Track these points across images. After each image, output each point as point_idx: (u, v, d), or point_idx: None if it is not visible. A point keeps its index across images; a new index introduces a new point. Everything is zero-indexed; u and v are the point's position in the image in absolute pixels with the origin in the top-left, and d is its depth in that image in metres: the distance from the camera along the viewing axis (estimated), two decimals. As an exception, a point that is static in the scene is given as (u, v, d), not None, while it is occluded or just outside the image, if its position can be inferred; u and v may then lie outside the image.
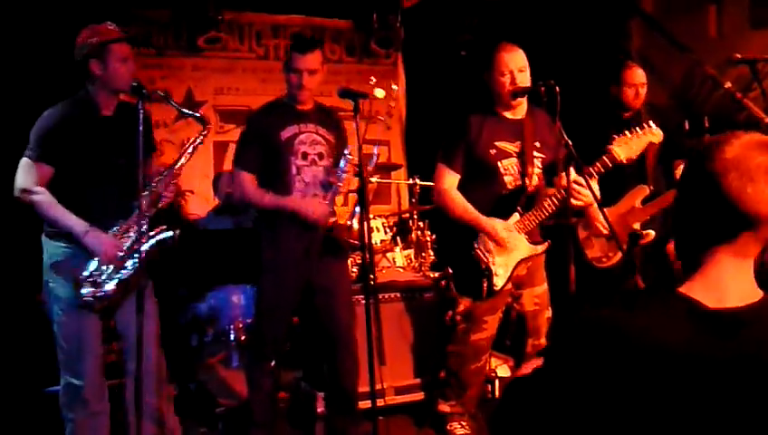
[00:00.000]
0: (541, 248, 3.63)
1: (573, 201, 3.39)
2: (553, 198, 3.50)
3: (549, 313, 3.74)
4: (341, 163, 3.66)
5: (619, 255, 4.11)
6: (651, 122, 3.56)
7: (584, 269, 4.27)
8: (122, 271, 3.18)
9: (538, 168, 3.63)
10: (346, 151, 3.67)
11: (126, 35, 3.28)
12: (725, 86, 4.36)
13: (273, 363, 3.83)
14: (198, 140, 3.41)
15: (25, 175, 3.15)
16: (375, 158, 4.28)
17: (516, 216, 3.56)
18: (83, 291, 3.14)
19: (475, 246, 3.52)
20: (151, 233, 3.21)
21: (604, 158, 3.48)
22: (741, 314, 1.31)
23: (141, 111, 3.02)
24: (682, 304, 1.33)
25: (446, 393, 3.84)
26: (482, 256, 3.51)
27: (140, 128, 3.00)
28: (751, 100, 4.34)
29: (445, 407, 3.84)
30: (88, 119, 3.24)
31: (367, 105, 3.31)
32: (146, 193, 3.17)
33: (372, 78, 4.09)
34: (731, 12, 5.36)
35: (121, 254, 3.17)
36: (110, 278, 3.17)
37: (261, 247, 3.69)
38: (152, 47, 6.02)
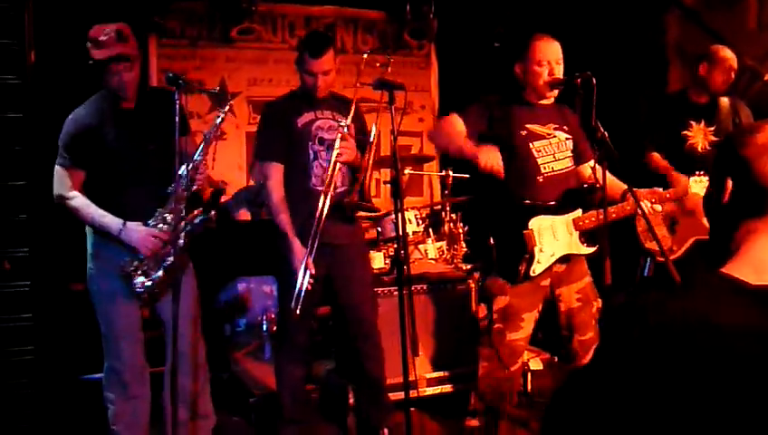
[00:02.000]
0: (589, 250, 3.54)
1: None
2: (622, 210, 3.48)
3: (597, 304, 3.61)
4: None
5: (684, 248, 4.10)
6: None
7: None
8: (167, 258, 3.21)
9: (570, 151, 3.61)
10: (342, 123, 3.58)
11: (113, 55, 3.16)
12: (765, 78, 4.29)
13: (303, 357, 3.84)
14: (218, 120, 3.38)
15: (59, 183, 3.31)
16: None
17: (579, 211, 3.51)
18: (136, 281, 3.23)
19: (529, 226, 3.41)
20: (188, 217, 3.25)
21: (678, 189, 3.58)
22: None
23: (178, 100, 3.03)
24: (725, 283, 1.36)
25: (477, 408, 3.70)
26: (533, 237, 3.41)
27: (177, 118, 3.02)
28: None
29: (474, 422, 3.72)
30: (108, 116, 3.30)
31: (401, 97, 3.26)
32: (182, 174, 3.20)
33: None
34: (772, 4, 5.28)
35: (161, 243, 3.22)
36: (157, 267, 3.23)
37: (279, 237, 3.68)
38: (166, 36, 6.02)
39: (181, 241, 3.22)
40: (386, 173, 5.75)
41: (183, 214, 3.20)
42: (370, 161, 3.56)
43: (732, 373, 1.25)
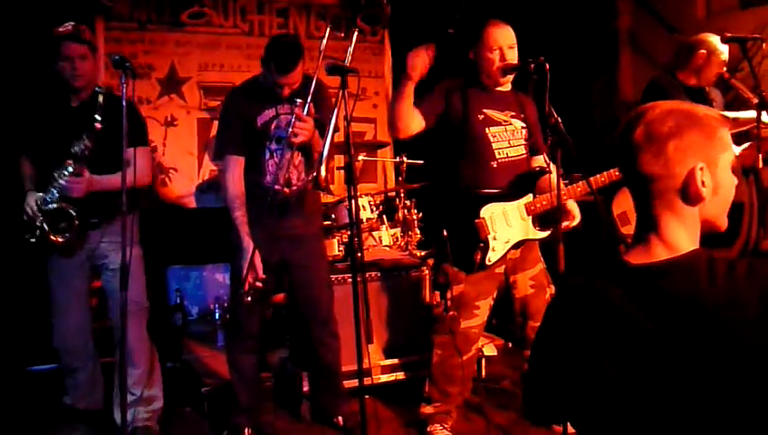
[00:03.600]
0: (544, 235, 3.56)
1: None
2: (572, 191, 3.48)
3: (551, 290, 3.65)
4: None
5: None
6: None
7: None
8: (34, 224, 3.43)
9: (525, 139, 3.61)
10: (298, 101, 3.44)
11: (66, 33, 3.40)
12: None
13: (255, 345, 3.78)
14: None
15: None
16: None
17: (530, 196, 3.52)
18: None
19: (481, 215, 3.42)
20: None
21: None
22: (659, 266, 1.46)
23: (124, 84, 2.97)
24: (615, 265, 1.54)
25: (431, 395, 3.70)
26: (485, 226, 3.42)
27: (124, 102, 2.97)
28: (739, 79, 4.35)
29: (428, 409, 3.71)
30: (56, 107, 3.51)
31: (354, 82, 3.21)
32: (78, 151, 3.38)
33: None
34: (720, -8, 5.36)
35: (30, 212, 3.44)
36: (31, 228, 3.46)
37: (232, 228, 3.63)
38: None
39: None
40: (339, 159, 5.71)
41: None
42: (326, 144, 3.34)
43: (610, 331, 1.45)
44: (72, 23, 3.43)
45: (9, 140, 3.69)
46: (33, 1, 4.97)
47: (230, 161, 3.58)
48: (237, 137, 3.58)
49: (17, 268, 4.43)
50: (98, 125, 3.29)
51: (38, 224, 3.41)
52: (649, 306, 1.41)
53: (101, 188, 3.45)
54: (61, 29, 3.40)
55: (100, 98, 3.30)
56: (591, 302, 1.50)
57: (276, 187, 3.56)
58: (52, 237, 3.41)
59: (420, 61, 3.20)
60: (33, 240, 3.43)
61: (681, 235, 1.50)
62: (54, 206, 3.40)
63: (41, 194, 3.44)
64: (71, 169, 3.37)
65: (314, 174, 3.27)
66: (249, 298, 3.42)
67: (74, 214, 3.41)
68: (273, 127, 3.59)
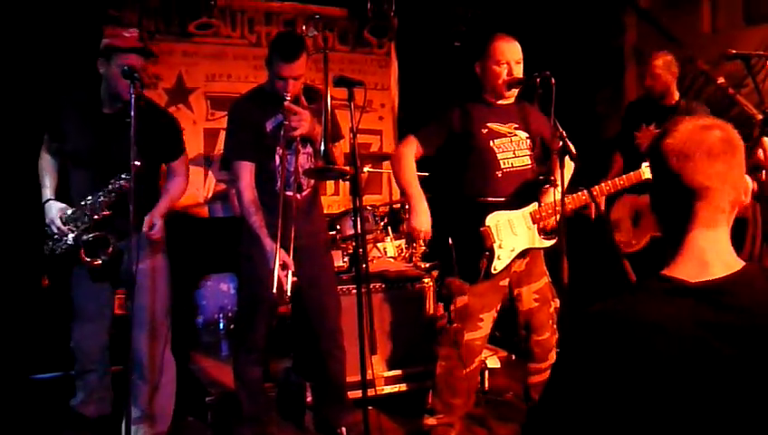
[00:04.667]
0: (549, 243, 3.56)
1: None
2: (578, 200, 3.50)
3: (555, 304, 3.66)
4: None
5: (642, 243, 4.25)
6: None
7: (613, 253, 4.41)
8: (62, 241, 3.38)
9: (530, 149, 3.62)
10: (287, 97, 3.44)
11: (134, 47, 3.32)
12: (718, 81, 4.36)
13: (261, 357, 3.78)
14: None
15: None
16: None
17: (535, 205, 3.53)
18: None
19: (486, 223, 3.42)
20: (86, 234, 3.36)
21: (631, 174, 3.59)
22: (721, 284, 1.39)
23: (133, 95, 2.99)
24: (665, 284, 1.42)
25: (434, 407, 3.68)
26: (490, 234, 3.42)
27: (132, 112, 2.98)
28: (743, 95, 4.36)
29: (431, 420, 3.68)
30: (86, 111, 3.39)
31: (361, 94, 3.21)
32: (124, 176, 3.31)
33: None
34: (725, 8, 5.38)
35: (55, 229, 3.37)
36: (57, 243, 3.40)
37: (241, 237, 3.64)
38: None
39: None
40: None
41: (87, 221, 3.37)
42: (327, 125, 3.24)
43: (671, 369, 1.34)
44: (137, 29, 3.46)
45: (21, 141, 3.68)
46: (42, 9, 5.00)
47: (241, 168, 3.57)
48: (246, 144, 3.58)
49: (18, 276, 4.44)
50: (137, 162, 3.09)
51: (69, 242, 3.35)
52: (725, 328, 1.33)
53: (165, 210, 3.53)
54: (126, 34, 3.33)
55: (132, 99, 3.09)
56: (640, 329, 1.37)
57: (287, 192, 3.52)
58: (95, 264, 3.35)
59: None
60: (52, 244, 3.39)
61: (729, 246, 1.46)
62: (91, 236, 3.34)
63: (64, 206, 3.40)
64: (101, 200, 3.34)
65: (323, 149, 3.26)
66: (290, 294, 3.38)
67: (111, 241, 3.35)
68: (281, 132, 3.56)
